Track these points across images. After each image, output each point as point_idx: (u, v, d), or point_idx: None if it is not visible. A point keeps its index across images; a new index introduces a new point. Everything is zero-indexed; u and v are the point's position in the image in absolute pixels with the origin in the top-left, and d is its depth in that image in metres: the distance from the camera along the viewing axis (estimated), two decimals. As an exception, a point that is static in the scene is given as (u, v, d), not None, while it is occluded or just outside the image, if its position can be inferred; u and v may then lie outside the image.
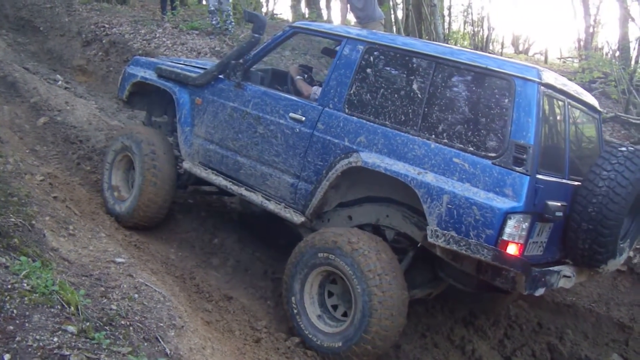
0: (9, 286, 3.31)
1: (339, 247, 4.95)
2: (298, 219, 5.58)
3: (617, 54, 14.63)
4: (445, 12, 18.02)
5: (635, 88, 11.66)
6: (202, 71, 6.55)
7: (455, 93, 4.95)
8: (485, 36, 16.87)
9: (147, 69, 7.17)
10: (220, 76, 6.35)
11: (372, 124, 5.18)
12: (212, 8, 13.30)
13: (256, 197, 5.87)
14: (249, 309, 5.68)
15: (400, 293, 4.91)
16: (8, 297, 3.18)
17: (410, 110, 5.05)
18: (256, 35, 6.18)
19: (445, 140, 4.80)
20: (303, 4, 19.58)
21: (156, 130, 7.13)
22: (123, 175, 6.98)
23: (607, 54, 15.71)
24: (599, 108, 5.85)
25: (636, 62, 13.79)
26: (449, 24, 18.54)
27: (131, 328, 3.73)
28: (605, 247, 4.92)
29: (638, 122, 10.17)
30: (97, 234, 5.56)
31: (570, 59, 20.64)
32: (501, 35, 28.16)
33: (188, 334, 4.16)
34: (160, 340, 3.76)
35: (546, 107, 4.78)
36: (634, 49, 14.44)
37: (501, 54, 18.70)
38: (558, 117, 5.09)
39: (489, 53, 15.77)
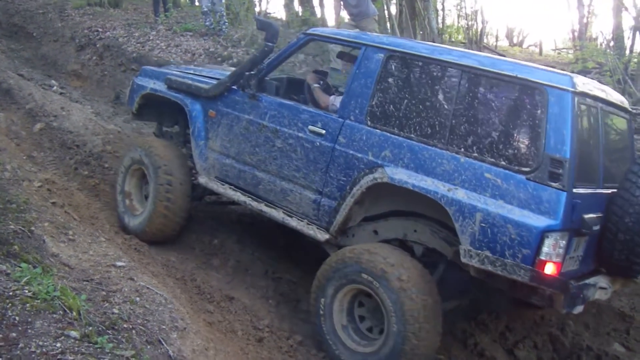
0: (11, 293, 3.32)
1: (387, 279, 4.65)
2: (322, 236, 5.36)
3: (612, 43, 14.63)
4: (439, 7, 18.00)
5: (631, 77, 11.67)
6: (214, 81, 6.37)
7: (484, 103, 4.68)
8: (479, 30, 16.84)
9: (156, 80, 6.96)
10: (233, 87, 6.13)
11: (396, 137, 4.95)
12: (205, 9, 13.31)
13: (277, 214, 5.68)
14: (250, 309, 5.68)
15: (434, 340, 4.74)
16: (10, 304, 3.19)
17: (437, 122, 4.80)
18: (269, 44, 5.91)
19: (476, 154, 4.57)
20: (296, 3, 19.56)
21: (170, 143, 6.98)
22: (137, 183, 6.86)
23: (601, 44, 15.70)
24: (629, 108, 5.56)
25: (630, 51, 13.79)
26: (443, 18, 18.51)
27: (134, 331, 3.74)
28: None
29: (634, 111, 10.17)
30: (97, 239, 5.56)
31: (564, 50, 20.62)
32: (495, 28, 28.20)
33: (190, 335, 4.17)
34: (163, 342, 3.77)
35: (581, 116, 4.49)
36: (628, 38, 14.44)
37: (496, 47, 18.73)
38: (592, 125, 4.77)
39: (485, 47, 15.80)
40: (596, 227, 4.51)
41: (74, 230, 5.45)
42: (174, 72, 7.05)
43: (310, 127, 5.44)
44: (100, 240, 5.55)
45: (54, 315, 3.30)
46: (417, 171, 4.77)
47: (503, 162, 4.43)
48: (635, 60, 12.57)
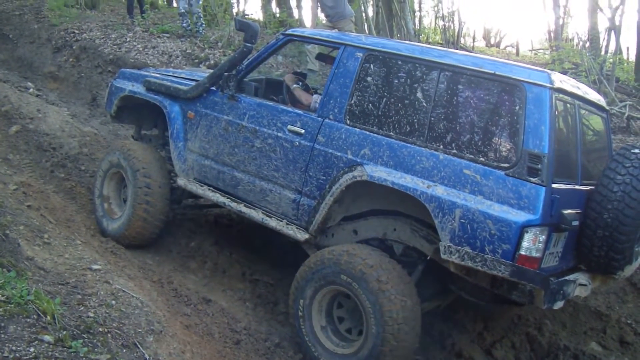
0: (-16, 297, 3.31)
1: (366, 281, 4.66)
2: (302, 236, 5.35)
3: (587, 44, 14.79)
4: (416, 8, 18.08)
5: (606, 78, 11.81)
6: (192, 83, 6.34)
7: (463, 101, 4.69)
8: (456, 30, 16.94)
9: (134, 82, 6.93)
10: (212, 88, 6.12)
11: (375, 135, 4.95)
12: (182, 10, 13.29)
13: (256, 214, 5.66)
14: (227, 311, 5.67)
15: (413, 342, 4.76)
16: (-17, 309, 3.17)
17: (415, 120, 4.82)
18: (248, 44, 5.88)
19: (455, 151, 4.58)
20: (274, 4, 19.57)
21: (148, 146, 6.93)
22: (115, 186, 6.83)
23: (577, 45, 15.87)
24: (605, 107, 5.65)
25: (605, 52, 13.96)
26: (420, 19, 18.60)
27: (109, 335, 3.73)
28: (622, 254, 4.75)
29: (611, 111, 10.27)
30: (73, 242, 5.52)
31: (541, 51, 20.81)
32: (472, 29, 28.30)
33: (167, 338, 4.16)
34: (139, 346, 3.77)
35: (558, 112, 4.54)
36: (604, 39, 14.61)
37: (473, 48, 18.82)
38: (569, 122, 4.82)
39: (462, 48, 15.87)
40: (575, 223, 4.54)
41: (50, 233, 5.41)
42: (153, 74, 7.01)
43: (289, 126, 5.43)
44: (76, 243, 5.51)
45: (28, 320, 3.29)
46: (396, 169, 4.77)
47: (482, 159, 4.45)
48: (610, 60, 12.70)
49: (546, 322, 6.22)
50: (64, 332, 3.35)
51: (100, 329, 3.76)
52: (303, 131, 5.34)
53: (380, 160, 4.86)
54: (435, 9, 19.34)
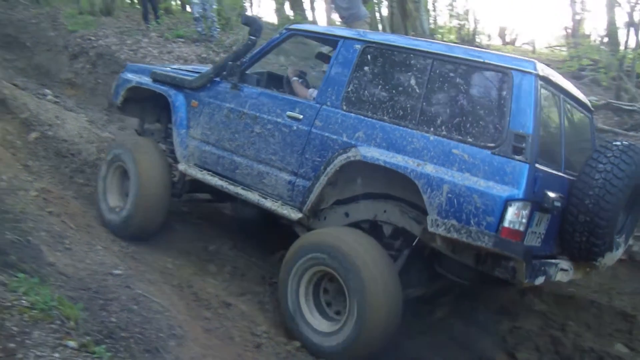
0: (8, 304, 3.33)
1: (350, 263, 4.91)
2: (295, 215, 5.58)
3: (605, 40, 14.67)
4: (430, 7, 18.03)
5: (626, 74, 11.68)
6: (197, 75, 6.61)
7: (453, 87, 4.97)
8: (471, 29, 16.87)
9: (142, 75, 7.20)
10: (216, 78, 6.40)
11: (370, 119, 5.22)
12: (197, 15, 13.34)
13: (253, 196, 5.88)
14: (247, 315, 5.66)
15: (393, 323, 4.97)
16: (8, 315, 3.20)
17: (408, 105, 5.09)
18: (252, 37, 6.25)
19: (444, 133, 4.84)
20: (287, 7, 19.59)
21: (150, 140, 7.12)
22: (118, 180, 6.96)
23: (595, 41, 15.76)
24: (591, 107, 5.97)
25: (625, 47, 13.81)
26: (435, 19, 18.54)
27: (131, 340, 3.76)
28: (602, 239, 4.96)
29: (630, 108, 10.18)
30: (94, 247, 5.55)
31: (558, 48, 20.68)
32: (487, 27, 28.21)
33: (188, 343, 4.18)
34: (161, 350, 3.79)
35: (543, 99, 4.83)
36: (625, 34, 14.46)
37: (488, 47, 18.74)
38: (554, 111, 5.15)
39: (477, 47, 15.80)
40: (557, 204, 4.72)
41: (71, 239, 5.45)
42: (159, 67, 7.35)
43: (288, 112, 5.71)
44: (97, 249, 5.54)
45: (52, 325, 3.31)
46: (388, 149, 5.02)
47: (470, 139, 4.71)
48: (630, 56, 12.57)
49: (570, 324, 6.17)
50: (88, 338, 3.38)
51: (123, 334, 3.79)
52: (301, 117, 5.61)
53: (374, 142, 5.12)
54: (450, 7, 19.26)
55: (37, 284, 3.77)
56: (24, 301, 3.42)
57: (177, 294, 5.51)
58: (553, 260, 5.04)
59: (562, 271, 5.11)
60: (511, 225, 4.44)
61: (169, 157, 6.83)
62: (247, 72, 6.29)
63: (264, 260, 6.81)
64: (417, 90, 5.10)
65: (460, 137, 4.76)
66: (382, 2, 15.22)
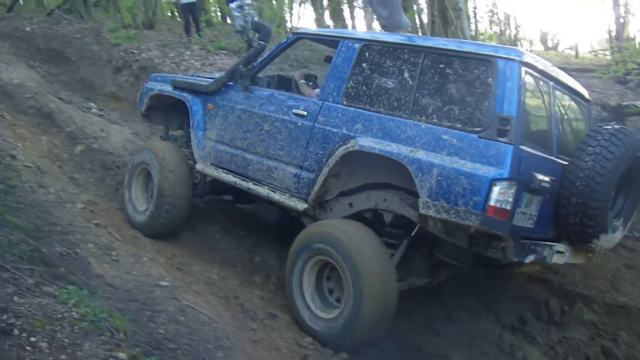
0: (59, 315, 3.35)
1: (348, 253, 5.18)
2: (301, 206, 5.87)
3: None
4: (470, 14, 17.91)
5: (673, 77, 11.46)
6: (212, 80, 6.99)
7: (443, 78, 5.21)
8: (512, 35, 16.69)
9: (163, 83, 7.66)
10: (229, 82, 6.79)
11: (367, 112, 5.51)
12: (239, 28, 13.43)
13: (263, 190, 6.21)
14: (294, 326, 5.65)
15: (387, 311, 5.22)
16: (59, 327, 3.22)
17: (402, 97, 5.38)
18: (262, 42, 6.65)
19: (435, 120, 5.08)
20: (327, 17, 19.64)
21: (173, 144, 7.53)
22: (143, 182, 7.33)
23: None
24: (587, 97, 6.20)
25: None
26: (475, 25, 18.42)
27: (179, 351, 3.77)
28: (595, 220, 5.14)
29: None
30: (140, 259, 5.59)
31: (601, 52, 20.37)
32: (529, 32, 27.92)
33: (235, 354, 4.18)
34: (209, 361, 3.78)
35: (528, 85, 5.06)
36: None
37: (530, 52, 18.52)
38: (543, 97, 5.34)
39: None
40: (545, 185, 4.88)
41: (118, 250, 5.50)
42: (180, 76, 7.85)
43: (294, 110, 6.05)
44: (144, 260, 5.58)
45: (102, 337, 3.33)
46: (384, 139, 5.29)
47: (458, 125, 4.94)
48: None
49: (621, 334, 6.06)
50: (137, 350, 3.39)
51: (171, 346, 3.80)
52: (305, 113, 5.94)
53: (371, 133, 5.40)
54: (490, 14, 19.12)
55: (86, 295, 3.80)
56: (74, 313, 3.44)
57: (223, 305, 5.52)
58: (547, 243, 5.20)
59: (558, 253, 5.26)
60: (497, 204, 4.63)
61: (191, 160, 7.16)
62: (258, 75, 6.68)
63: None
64: (410, 82, 5.37)
65: (449, 124, 5.00)
66: (423, 9, 15.16)
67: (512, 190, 4.68)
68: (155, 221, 6.85)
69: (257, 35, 7.36)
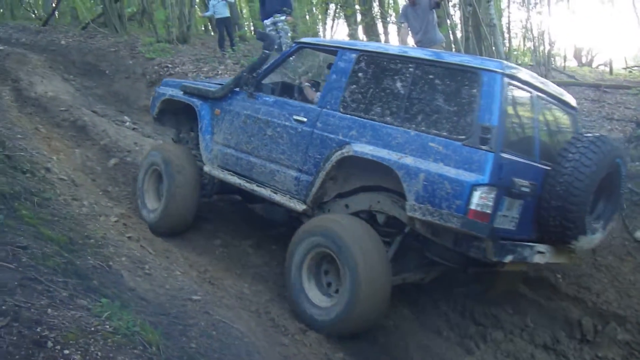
0: (92, 328, 3.35)
1: (345, 245, 5.47)
2: (300, 206, 6.23)
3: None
4: (504, 29, 17.80)
5: None
6: (220, 86, 7.34)
7: (432, 88, 5.52)
8: (546, 51, 16.55)
9: (174, 88, 8.03)
10: (236, 89, 7.14)
11: (362, 119, 5.82)
12: (274, 44, 13.46)
13: (265, 192, 6.57)
14: (325, 342, 5.63)
15: (381, 301, 5.51)
16: (92, 340, 3.22)
17: (394, 105, 5.70)
18: (266, 51, 7.03)
19: (423, 128, 5.40)
20: (360, 32, 19.65)
21: (182, 146, 8.00)
22: (155, 182, 7.71)
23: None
24: (574, 105, 6.55)
25: None
26: (509, 41, 18.29)
27: (211, 366, 3.75)
28: (573, 223, 5.47)
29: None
30: (172, 272, 5.60)
31: (636, 68, 20.13)
32: (563, 48, 27.63)
33: (267, 369, 4.15)
34: (241, 377, 3.76)
35: (512, 96, 5.36)
36: None
37: (564, 68, 18.41)
38: (526, 107, 5.67)
39: (554, 69, 15.53)
40: (525, 189, 5.24)
41: (150, 264, 5.51)
42: (190, 81, 8.28)
43: (294, 116, 6.38)
44: (176, 274, 5.59)
45: (135, 351, 3.33)
46: (376, 145, 5.62)
47: (445, 133, 5.27)
48: None
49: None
50: (169, 364, 3.38)
51: (203, 360, 3.79)
52: (306, 119, 6.27)
53: (365, 139, 5.73)
54: (524, 29, 18.99)
55: (119, 308, 3.80)
56: (107, 326, 3.44)
57: (254, 319, 5.50)
58: (528, 243, 5.50)
59: (539, 254, 5.58)
60: (478, 208, 4.94)
61: (200, 161, 7.49)
62: (263, 82, 7.04)
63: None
64: (402, 92, 5.69)
65: (436, 131, 5.32)
66: (457, 25, 15.10)
67: (492, 195, 4.98)
68: (165, 220, 7.27)
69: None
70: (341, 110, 6.03)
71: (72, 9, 26.29)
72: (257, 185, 6.69)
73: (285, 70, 10.57)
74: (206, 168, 7.29)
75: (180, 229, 7.41)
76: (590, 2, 41.30)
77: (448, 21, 15.11)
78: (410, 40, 10.39)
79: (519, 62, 17.79)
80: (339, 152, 5.86)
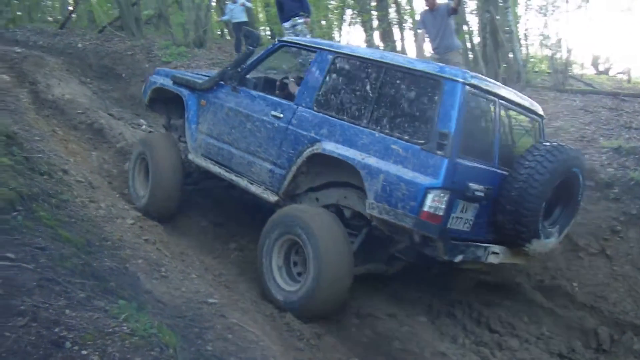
0: (110, 330, 3.36)
1: (311, 233, 5.76)
2: (273, 198, 6.59)
3: None
4: (522, 36, 17.72)
5: None
6: (207, 78, 7.66)
7: (398, 92, 5.80)
8: (564, 59, 16.46)
9: (165, 77, 8.36)
10: (221, 82, 7.45)
11: (333, 118, 6.13)
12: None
13: (242, 182, 6.95)
14: (339, 347, 5.63)
15: (342, 287, 5.82)
16: (110, 341, 3.22)
17: (363, 107, 5.98)
18: (250, 47, 7.33)
19: (387, 131, 5.70)
20: (377, 37, 19.66)
21: (166, 135, 8.48)
22: (144, 170, 8.15)
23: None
24: (540, 113, 6.77)
25: None
26: (526, 48, 18.22)
27: (227, 369, 3.74)
28: (527, 227, 5.75)
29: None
30: (188, 275, 5.59)
31: (656, 76, 19.98)
32: (580, 56, 27.50)
33: (282, 373, 4.14)
34: (257, 381, 3.75)
35: (472, 104, 5.60)
36: None
37: (582, 76, 18.31)
38: (488, 115, 5.90)
39: (572, 77, 15.45)
40: (479, 194, 5.51)
41: (166, 267, 5.51)
42: (180, 72, 8.56)
43: (272, 112, 6.70)
44: (192, 277, 5.58)
45: (152, 353, 3.32)
46: (344, 144, 5.93)
47: (406, 137, 5.56)
48: None
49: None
50: (186, 366, 3.38)
51: (219, 363, 3.78)
52: (282, 115, 6.60)
53: (334, 138, 6.04)
54: (541, 37, 18.90)
55: (136, 310, 3.80)
56: (125, 327, 3.44)
57: (269, 323, 5.50)
58: (482, 244, 5.81)
59: (493, 254, 5.90)
60: (430, 210, 5.25)
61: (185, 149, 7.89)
62: (246, 76, 7.32)
63: (358, 292, 6.72)
64: (370, 94, 5.97)
65: (399, 135, 5.61)
66: (474, 32, 15.09)
67: (445, 198, 5.30)
68: (151, 206, 7.70)
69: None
70: (315, 108, 6.34)
71: (89, 12, 26.44)
72: (235, 175, 7.06)
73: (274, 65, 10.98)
74: (190, 156, 7.71)
75: (166, 214, 7.80)
76: (609, 10, 41.14)
77: (465, 27, 15.09)
78: (428, 47, 10.39)
79: (536, 69, 17.68)
80: (310, 148, 6.17)
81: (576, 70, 20.20)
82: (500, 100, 5.97)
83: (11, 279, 3.41)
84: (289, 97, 6.99)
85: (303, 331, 5.62)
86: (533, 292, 7.05)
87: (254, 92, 7.10)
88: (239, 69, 7.30)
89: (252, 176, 6.88)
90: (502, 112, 6.05)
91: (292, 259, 6.27)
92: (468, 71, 5.67)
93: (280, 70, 11.33)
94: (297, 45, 7.47)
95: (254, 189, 6.80)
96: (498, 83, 6.35)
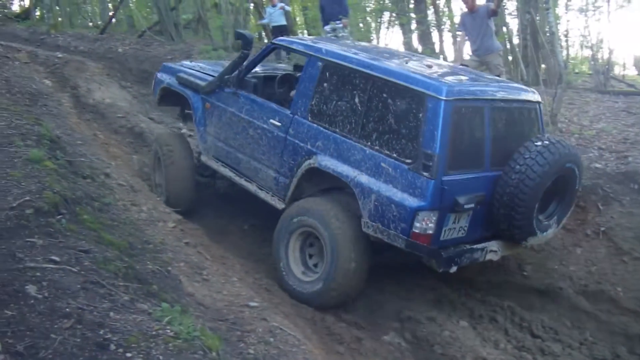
0: (154, 332, 3.37)
1: (327, 223, 5.87)
2: (280, 205, 6.62)
3: None
4: (562, 37, 17.51)
5: None
6: (210, 78, 7.70)
7: (385, 106, 5.73)
8: (605, 59, 16.21)
9: (171, 76, 8.45)
10: (221, 85, 7.47)
11: (327, 130, 6.14)
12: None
13: (252, 187, 7.05)
14: (380, 350, 5.60)
15: (359, 276, 5.93)
16: (154, 344, 3.23)
17: (353, 120, 5.95)
18: (245, 51, 7.25)
19: (377, 147, 5.70)
20: (415, 40, 19.59)
21: (177, 131, 8.95)
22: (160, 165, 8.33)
23: None
24: (535, 99, 6.48)
25: None
26: (567, 49, 18.00)
27: (269, 372, 3.74)
28: (520, 229, 5.85)
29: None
30: (230, 278, 5.61)
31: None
32: (622, 57, 27.10)
33: (324, 377, 4.13)
34: (299, 384, 3.75)
35: (458, 118, 5.49)
36: None
37: (623, 77, 18.04)
38: (477, 121, 5.75)
39: (613, 78, 15.24)
40: (469, 206, 5.54)
41: (208, 270, 5.53)
42: (185, 69, 8.44)
43: (271, 120, 6.73)
44: (233, 280, 5.60)
45: (195, 355, 3.33)
46: (338, 159, 5.98)
47: (395, 155, 5.57)
48: None
49: None
50: (229, 369, 3.38)
51: (261, 366, 3.78)
52: (280, 124, 6.62)
53: (328, 152, 6.08)
54: (582, 37, 18.66)
55: (179, 313, 3.82)
56: (168, 330, 3.45)
57: (310, 327, 5.52)
58: (479, 246, 5.92)
59: (492, 252, 6.02)
60: (420, 231, 5.34)
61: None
62: (245, 78, 7.28)
63: (398, 295, 6.72)
64: (360, 107, 5.92)
65: (388, 152, 5.62)
66: (513, 33, 14.96)
67: (434, 218, 5.38)
68: (168, 198, 7.87)
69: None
70: (309, 118, 6.34)
71: (129, 17, 26.78)
72: (245, 180, 7.16)
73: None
74: (203, 157, 7.87)
75: (184, 205, 7.86)
76: (650, 10, 40.46)
77: (504, 29, 14.96)
78: (467, 49, 10.32)
79: (577, 70, 17.45)
80: (307, 161, 6.23)
81: (618, 71, 19.91)
82: (487, 103, 5.84)
83: (56, 282, 3.44)
84: (286, 94, 7.25)
85: (343, 335, 5.62)
86: (576, 297, 6.92)
87: (253, 97, 7.11)
88: (236, 73, 7.28)
89: (260, 182, 6.96)
90: (494, 114, 5.90)
91: (307, 251, 6.37)
92: (455, 82, 5.77)
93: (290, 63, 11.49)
94: (289, 48, 7.41)
95: (263, 195, 6.90)
96: (484, 81, 6.44)
